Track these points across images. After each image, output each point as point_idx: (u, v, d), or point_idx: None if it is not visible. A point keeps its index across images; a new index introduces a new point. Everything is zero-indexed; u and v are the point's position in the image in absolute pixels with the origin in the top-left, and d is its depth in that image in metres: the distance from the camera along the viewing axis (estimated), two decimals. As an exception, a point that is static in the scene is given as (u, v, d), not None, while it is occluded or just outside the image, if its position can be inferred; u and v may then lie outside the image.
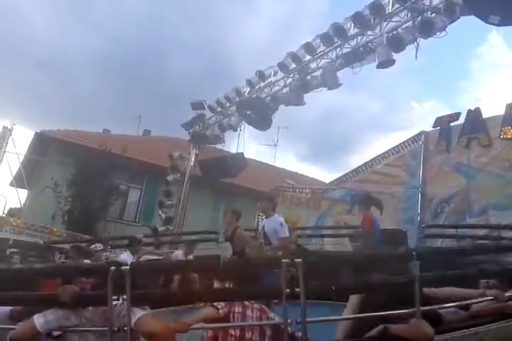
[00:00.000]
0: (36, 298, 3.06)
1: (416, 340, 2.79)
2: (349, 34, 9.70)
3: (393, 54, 8.86)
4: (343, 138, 50.30)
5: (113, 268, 2.71)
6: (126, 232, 12.95)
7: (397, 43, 8.69)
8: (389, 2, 9.07)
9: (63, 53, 41.01)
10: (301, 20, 50.56)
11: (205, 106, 13.27)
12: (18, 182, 16.49)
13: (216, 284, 5.80)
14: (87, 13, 41.27)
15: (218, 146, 14.37)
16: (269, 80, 11.63)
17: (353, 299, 3.23)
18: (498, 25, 7.62)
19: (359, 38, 9.66)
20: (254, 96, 11.85)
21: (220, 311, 3.10)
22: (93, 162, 14.50)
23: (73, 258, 6.97)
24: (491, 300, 3.25)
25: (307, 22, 50.41)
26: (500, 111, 9.86)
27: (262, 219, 8.05)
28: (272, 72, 11.49)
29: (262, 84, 11.78)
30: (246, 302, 3.20)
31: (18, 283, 3.32)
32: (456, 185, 10.23)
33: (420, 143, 11.14)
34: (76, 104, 38.39)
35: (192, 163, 13.81)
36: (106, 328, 2.78)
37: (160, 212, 13.60)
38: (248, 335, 3.09)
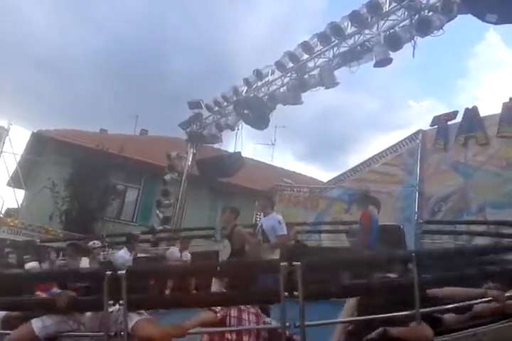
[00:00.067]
0: (32, 303, 3.05)
1: None
2: (346, 33, 9.68)
3: (390, 53, 8.85)
4: (341, 137, 50.26)
5: (109, 273, 2.70)
6: (124, 232, 12.91)
7: (394, 42, 8.69)
8: (386, 1, 9.07)
9: (63, 53, 40.88)
10: (299, 19, 50.46)
11: (203, 106, 13.25)
12: (15, 182, 16.42)
13: (214, 282, 5.82)
14: (87, 13, 41.13)
15: (216, 146, 14.38)
16: (266, 79, 11.61)
17: (351, 302, 3.22)
18: (495, 23, 7.61)
19: (356, 36, 9.64)
20: (251, 95, 11.84)
21: (218, 314, 3.09)
22: (90, 162, 14.45)
23: (71, 256, 6.95)
24: (491, 300, 3.25)
25: (305, 21, 50.33)
26: (498, 109, 9.89)
27: (260, 218, 8.07)
28: (270, 71, 11.48)
29: (259, 83, 11.76)
30: (242, 306, 3.18)
31: (15, 288, 3.30)
32: (453, 183, 10.25)
33: (418, 141, 11.15)
34: (75, 104, 38.32)
35: (189, 163, 13.80)
36: (102, 333, 2.76)
37: (158, 211, 13.60)
38: (245, 339, 3.07)
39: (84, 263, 7.03)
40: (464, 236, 8.81)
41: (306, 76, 10.71)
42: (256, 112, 11.48)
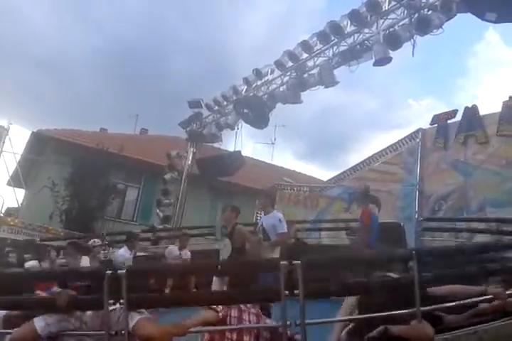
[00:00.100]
0: (33, 302, 3.05)
1: (416, 340, 2.80)
2: (346, 32, 9.69)
3: (390, 51, 8.86)
4: (341, 136, 50.31)
5: (109, 272, 2.70)
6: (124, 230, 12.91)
7: (393, 41, 8.69)
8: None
9: (63, 53, 40.91)
10: (298, 19, 50.48)
11: (203, 105, 13.26)
12: (15, 181, 16.43)
13: (215, 282, 5.83)
14: (87, 13, 41.13)
15: (216, 145, 14.39)
16: (266, 78, 11.62)
17: (349, 300, 3.23)
18: (495, 22, 7.61)
19: (356, 35, 9.65)
20: (251, 94, 11.84)
21: (220, 314, 3.09)
22: (90, 161, 14.46)
23: (71, 255, 6.95)
24: (492, 298, 3.26)
25: (304, 20, 50.32)
26: (497, 108, 9.88)
27: (261, 217, 8.08)
28: (269, 71, 11.49)
29: (259, 83, 11.77)
30: (242, 307, 3.19)
31: (15, 287, 3.31)
32: (453, 182, 10.25)
33: (417, 140, 11.15)
34: (75, 104, 38.33)
35: (189, 162, 13.81)
36: (103, 332, 2.77)
37: (158, 210, 13.61)
38: (246, 339, 3.08)
39: (85, 261, 7.03)
40: (465, 234, 8.82)
41: (305, 75, 10.73)
42: (256, 111, 11.49)
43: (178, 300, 2.97)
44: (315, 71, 10.52)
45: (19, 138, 17.13)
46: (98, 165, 14.57)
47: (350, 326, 3.57)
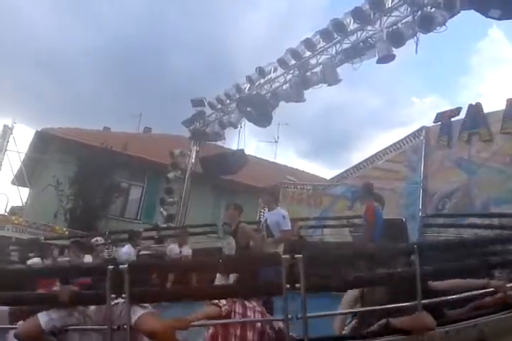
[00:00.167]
0: (35, 297, 3.06)
1: (418, 331, 2.81)
2: (349, 29, 9.67)
3: (393, 49, 8.84)
4: (344, 135, 50.32)
5: (111, 267, 2.71)
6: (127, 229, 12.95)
7: (397, 38, 8.66)
8: (388, -3, 9.04)
9: (63, 52, 41.04)
10: (300, 16, 50.50)
11: (206, 103, 13.27)
12: (19, 180, 16.53)
13: (218, 278, 5.84)
14: (87, 11, 41.24)
15: (219, 143, 14.42)
16: (269, 77, 11.60)
17: (348, 296, 3.23)
18: (499, 19, 7.59)
19: (359, 33, 9.63)
20: (254, 92, 11.83)
21: (223, 309, 3.10)
22: (94, 160, 14.52)
23: (74, 253, 6.99)
24: (494, 291, 3.26)
25: (307, 17, 50.32)
26: (501, 106, 9.83)
27: (264, 213, 8.09)
28: (272, 69, 11.47)
29: (262, 81, 11.76)
30: (247, 303, 3.20)
31: (18, 283, 3.32)
32: (457, 180, 10.22)
33: (421, 138, 11.12)
34: (76, 103, 38.47)
35: (193, 160, 13.82)
36: (106, 326, 2.78)
37: (161, 209, 13.63)
38: (249, 335, 3.08)
39: (88, 260, 7.08)
40: (469, 230, 8.79)
41: (308, 73, 10.70)
42: (259, 110, 11.48)
43: (180, 294, 2.97)
44: (318, 69, 10.50)
45: (23, 137, 17.28)
46: (102, 164, 14.63)
47: (353, 322, 3.58)
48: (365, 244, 6.87)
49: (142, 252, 8.97)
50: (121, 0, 46.78)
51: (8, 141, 16.08)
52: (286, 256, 2.69)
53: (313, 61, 10.64)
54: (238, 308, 3.16)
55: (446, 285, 3.18)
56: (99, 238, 8.96)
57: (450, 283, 3.22)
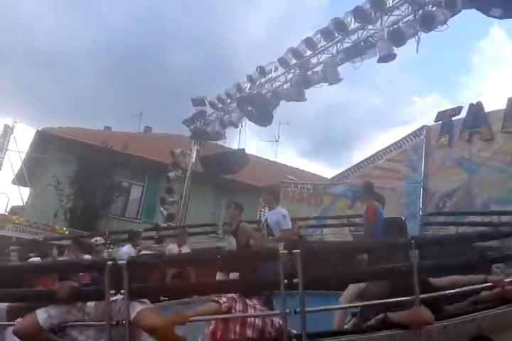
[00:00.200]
0: (34, 294, 3.05)
1: (416, 326, 2.81)
2: (350, 28, 9.66)
3: (394, 48, 8.82)
4: (345, 134, 50.31)
5: (110, 263, 2.71)
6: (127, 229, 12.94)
7: (397, 37, 8.65)
8: (389, -4, 9.02)
9: (63, 52, 41.08)
10: (301, 15, 50.49)
11: (206, 103, 13.26)
12: (20, 180, 16.52)
13: (218, 276, 5.83)
14: (87, 11, 41.29)
15: (219, 142, 14.42)
16: (269, 76, 11.59)
17: (347, 292, 3.23)
18: (500, 18, 7.58)
19: (360, 32, 9.62)
20: (255, 92, 11.82)
21: (222, 306, 3.10)
22: (94, 159, 14.51)
23: (73, 253, 6.99)
24: (492, 286, 3.26)
25: (307, 17, 50.32)
26: (502, 105, 9.83)
27: (265, 212, 8.07)
28: (273, 68, 11.45)
29: (262, 80, 11.75)
30: (248, 301, 3.19)
31: (16, 280, 3.31)
32: (458, 179, 10.21)
33: (422, 137, 11.12)
34: (77, 102, 38.48)
35: (193, 160, 13.80)
36: (104, 322, 2.78)
37: (162, 208, 13.62)
38: (249, 332, 3.08)
39: (87, 259, 7.06)
40: (469, 228, 8.78)
41: (309, 72, 10.69)
42: (259, 109, 11.47)
43: (179, 290, 2.96)
44: (319, 68, 10.48)
45: (24, 136, 17.24)
46: (102, 164, 14.62)
47: (354, 319, 3.58)
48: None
49: (142, 252, 8.94)
50: (121, -1, 46.81)
51: (8, 141, 16.07)
52: (284, 251, 2.68)
53: (314, 60, 10.63)
54: (239, 306, 3.15)
55: (445, 283, 3.18)
56: (98, 238, 8.96)
57: (449, 280, 3.21)
